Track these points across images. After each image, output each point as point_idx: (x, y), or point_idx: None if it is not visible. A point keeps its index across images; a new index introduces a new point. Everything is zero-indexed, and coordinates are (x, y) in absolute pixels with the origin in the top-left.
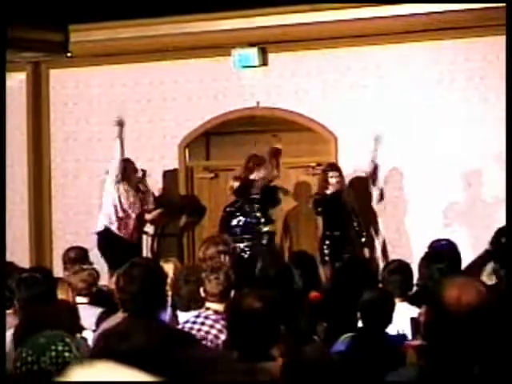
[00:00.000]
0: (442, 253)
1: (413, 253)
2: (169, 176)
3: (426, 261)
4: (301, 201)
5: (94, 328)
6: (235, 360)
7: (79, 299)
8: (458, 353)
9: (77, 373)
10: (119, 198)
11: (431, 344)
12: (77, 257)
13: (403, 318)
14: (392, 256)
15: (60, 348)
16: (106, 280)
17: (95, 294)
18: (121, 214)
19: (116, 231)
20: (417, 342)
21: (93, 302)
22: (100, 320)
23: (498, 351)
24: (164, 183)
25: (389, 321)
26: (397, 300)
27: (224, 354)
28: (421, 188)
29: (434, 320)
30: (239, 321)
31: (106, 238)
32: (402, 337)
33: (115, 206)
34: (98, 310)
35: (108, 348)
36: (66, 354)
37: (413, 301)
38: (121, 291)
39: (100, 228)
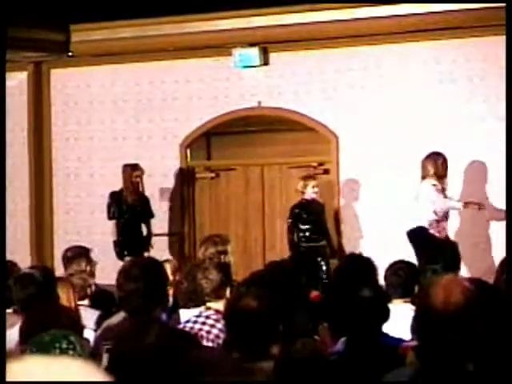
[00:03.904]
0: (439, 254)
1: None
2: (170, 176)
3: (424, 261)
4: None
5: (94, 328)
6: (235, 360)
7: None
8: (448, 351)
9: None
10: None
11: (422, 344)
12: (75, 256)
13: (406, 318)
14: None
15: (64, 346)
16: (102, 278)
17: (95, 294)
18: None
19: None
20: (416, 343)
21: (93, 303)
22: (100, 320)
23: (490, 348)
24: (165, 183)
25: (383, 319)
26: (400, 301)
27: (223, 354)
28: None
29: (423, 320)
30: (237, 320)
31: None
32: (399, 337)
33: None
34: (96, 312)
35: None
36: (70, 353)
37: (415, 301)
38: (118, 289)
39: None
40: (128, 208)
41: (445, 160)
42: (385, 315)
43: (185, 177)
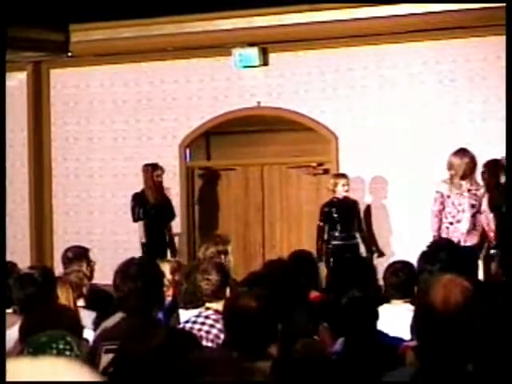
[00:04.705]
0: (436, 254)
1: None
2: (169, 176)
3: (422, 261)
4: (301, 201)
5: (91, 328)
6: (234, 360)
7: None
8: (448, 351)
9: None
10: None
11: (422, 343)
12: (75, 256)
13: (405, 319)
14: None
15: (61, 346)
16: (101, 278)
17: (92, 294)
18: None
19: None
20: (416, 343)
21: (89, 303)
22: (97, 321)
23: (490, 348)
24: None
25: (374, 318)
26: (399, 301)
27: (223, 354)
28: (421, 187)
29: (423, 319)
30: (236, 320)
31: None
32: (399, 337)
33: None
34: (92, 313)
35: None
36: (67, 353)
37: (415, 302)
38: (116, 289)
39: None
40: (152, 208)
41: (472, 158)
42: (374, 314)
43: (184, 177)
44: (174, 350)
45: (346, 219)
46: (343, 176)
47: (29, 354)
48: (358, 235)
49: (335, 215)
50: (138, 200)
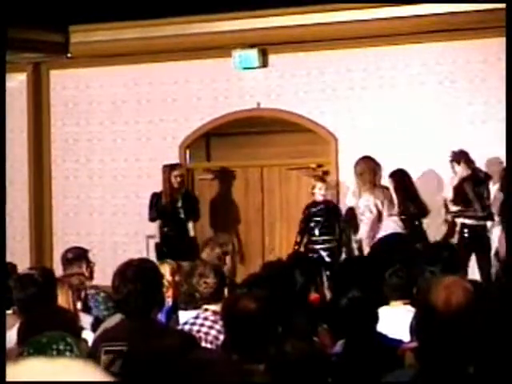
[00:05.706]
0: (438, 255)
1: None
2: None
3: (422, 261)
4: (301, 202)
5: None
6: (234, 361)
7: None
8: (450, 353)
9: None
10: None
11: (423, 345)
12: (74, 257)
13: (405, 320)
14: None
15: (61, 347)
16: (101, 279)
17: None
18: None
19: None
20: (415, 344)
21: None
22: (95, 324)
23: (491, 350)
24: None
25: (374, 320)
26: (399, 302)
27: (223, 356)
28: (421, 188)
29: (424, 321)
30: (235, 322)
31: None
32: (398, 339)
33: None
34: (90, 317)
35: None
36: (67, 354)
37: (414, 303)
38: (115, 291)
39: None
40: (163, 209)
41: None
42: (374, 316)
43: (184, 178)
44: (174, 351)
45: (323, 222)
46: (321, 180)
47: (29, 355)
48: (335, 238)
49: (313, 217)
50: (153, 200)
